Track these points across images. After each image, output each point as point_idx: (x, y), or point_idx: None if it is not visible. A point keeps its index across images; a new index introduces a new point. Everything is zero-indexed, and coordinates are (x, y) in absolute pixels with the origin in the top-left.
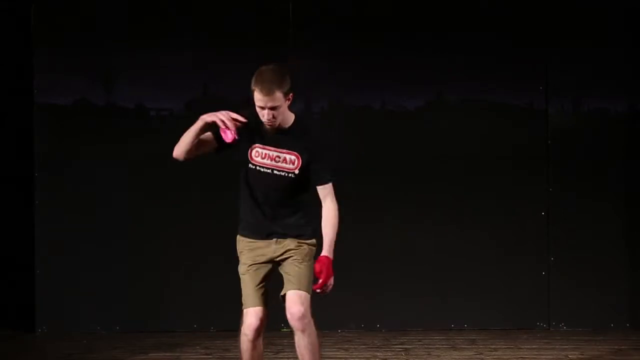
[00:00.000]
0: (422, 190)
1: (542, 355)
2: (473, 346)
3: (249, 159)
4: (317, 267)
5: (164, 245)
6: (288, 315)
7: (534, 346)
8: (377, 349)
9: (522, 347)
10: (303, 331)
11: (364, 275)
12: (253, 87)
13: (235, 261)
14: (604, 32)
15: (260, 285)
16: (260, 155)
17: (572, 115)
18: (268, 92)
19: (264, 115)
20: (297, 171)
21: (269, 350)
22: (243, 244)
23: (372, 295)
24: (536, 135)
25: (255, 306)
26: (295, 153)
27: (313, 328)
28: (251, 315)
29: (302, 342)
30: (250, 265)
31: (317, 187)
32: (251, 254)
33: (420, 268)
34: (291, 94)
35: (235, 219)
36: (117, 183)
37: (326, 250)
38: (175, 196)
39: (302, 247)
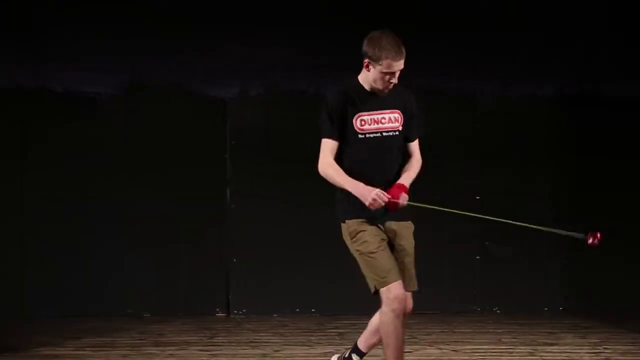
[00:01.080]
0: None
1: (476, 339)
2: (407, 330)
3: (356, 129)
4: (390, 192)
5: (99, 231)
6: None
7: (468, 330)
8: (312, 333)
9: (457, 331)
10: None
11: (298, 260)
12: (383, 55)
13: (170, 247)
14: (532, 18)
15: (393, 260)
16: (367, 122)
17: (500, 100)
18: (402, 57)
19: (389, 80)
20: (400, 127)
21: (202, 334)
22: (356, 225)
23: (306, 280)
24: (465, 120)
25: (398, 280)
26: (396, 110)
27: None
28: (396, 288)
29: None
30: (380, 241)
31: (408, 143)
32: (373, 232)
33: None
34: None
35: (170, 204)
36: (47, 166)
37: (403, 180)
38: (110, 182)
39: (410, 240)
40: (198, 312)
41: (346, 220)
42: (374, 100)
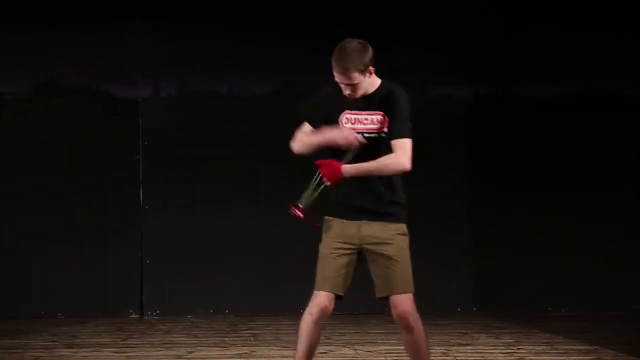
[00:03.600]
0: (269, 174)
1: (391, 340)
2: (322, 331)
3: (341, 127)
4: (322, 168)
5: (11, 232)
6: (394, 315)
7: (382, 330)
8: (226, 334)
9: (371, 331)
10: (411, 329)
11: (211, 261)
12: (332, 63)
13: (83, 248)
14: (448, 21)
15: (341, 271)
16: (350, 121)
17: (419, 101)
18: (343, 72)
19: (344, 89)
20: (385, 129)
21: (116, 336)
22: (329, 223)
23: (220, 280)
24: None
25: (329, 291)
26: (380, 112)
27: (420, 324)
28: (322, 297)
29: (410, 339)
30: (336, 248)
31: (391, 142)
32: (338, 236)
33: (268, 252)
34: (371, 68)
35: (83, 205)
36: None
37: (346, 163)
38: (23, 182)
39: (393, 242)
40: (111, 314)
41: (325, 216)
42: (361, 101)
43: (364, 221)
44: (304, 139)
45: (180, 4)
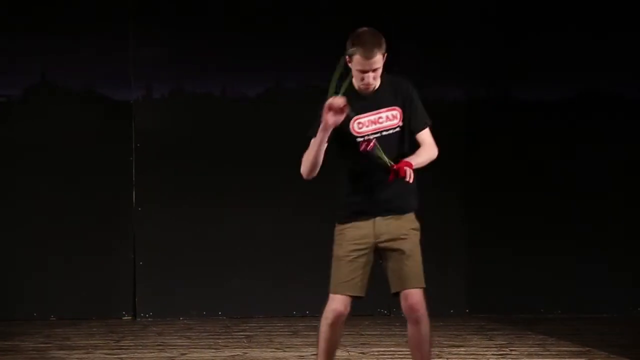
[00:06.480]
0: (262, 176)
1: (384, 341)
2: (315, 332)
3: (354, 133)
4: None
5: (4, 235)
6: (404, 308)
7: (375, 332)
8: (219, 336)
9: (364, 333)
10: (419, 322)
11: (205, 263)
12: (352, 51)
13: (76, 250)
14: (441, 23)
15: (358, 272)
16: (364, 125)
17: None
18: (371, 55)
19: (364, 79)
20: (401, 123)
21: (109, 338)
22: (341, 228)
23: (213, 282)
24: None
25: (344, 294)
26: (394, 107)
27: (427, 319)
28: (337, 301)
29: (416, 332)
30: (352, 250)
31: (416, 134)
32: (353, 239)
33: (261, 254)
34: (385, 54)
35: (75, 207)
36: None
37: (411, 158)
38: (15, 184)
39: (407, 237)
40: (104, 316)
41: (337, 223)
42: (369, 101)
43: (377, 218)
44: (306, 157)
45: (173, 6)
